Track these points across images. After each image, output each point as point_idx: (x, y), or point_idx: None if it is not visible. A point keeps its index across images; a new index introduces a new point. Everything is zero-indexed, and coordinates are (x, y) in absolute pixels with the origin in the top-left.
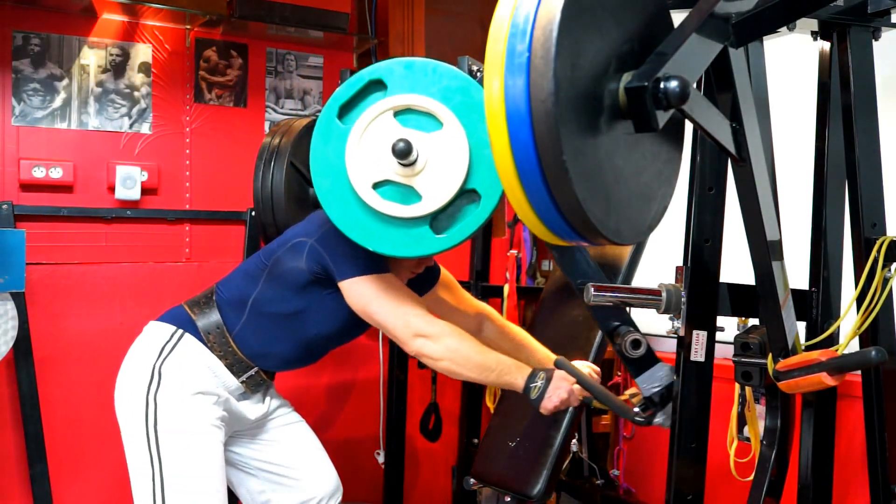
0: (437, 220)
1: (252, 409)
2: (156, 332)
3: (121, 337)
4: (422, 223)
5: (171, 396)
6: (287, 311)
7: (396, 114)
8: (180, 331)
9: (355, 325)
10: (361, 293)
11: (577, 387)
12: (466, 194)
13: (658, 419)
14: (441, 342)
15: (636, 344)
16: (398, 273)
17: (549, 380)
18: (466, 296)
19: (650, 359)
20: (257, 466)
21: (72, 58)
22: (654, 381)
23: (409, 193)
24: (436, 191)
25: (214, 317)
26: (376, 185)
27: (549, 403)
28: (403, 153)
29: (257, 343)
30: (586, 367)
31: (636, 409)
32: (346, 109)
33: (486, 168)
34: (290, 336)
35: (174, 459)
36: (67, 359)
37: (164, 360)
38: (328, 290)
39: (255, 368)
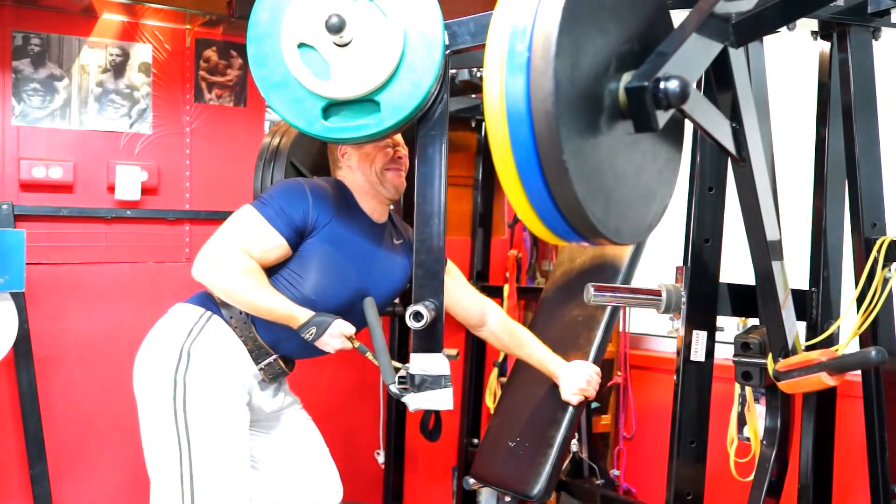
0: (334, 108)
1: (268, 401)
2: (184, 314)
3: (121, 337)
4: (318, 101)
5: (201, 378)
6: (287, 281)
7: None
8: (208, 312)
9: (353, 292)
10: (234, 214)
11: (353, 343)
12: (370, 103)
13: (407, 398)
14: (224, 275)
15: (417, 316)
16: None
17: (320, 333)
18: (471, 289)
19: (433, 344)
20: (262, 460)
21: (72, 58)
22: (426, 364)
23: (323, 69)
24: (346, 80)
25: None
26: (301, 45)
27: (321, 347)
28: (335, 28)
29: (276, 327)
30: (586, 368)
31: (396, 380)
32: None
33: (400, 91)
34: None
35: (203, 441)
36: (67, 359)
37: (194, 340)
38: (309, 248)
39: (275, 356)
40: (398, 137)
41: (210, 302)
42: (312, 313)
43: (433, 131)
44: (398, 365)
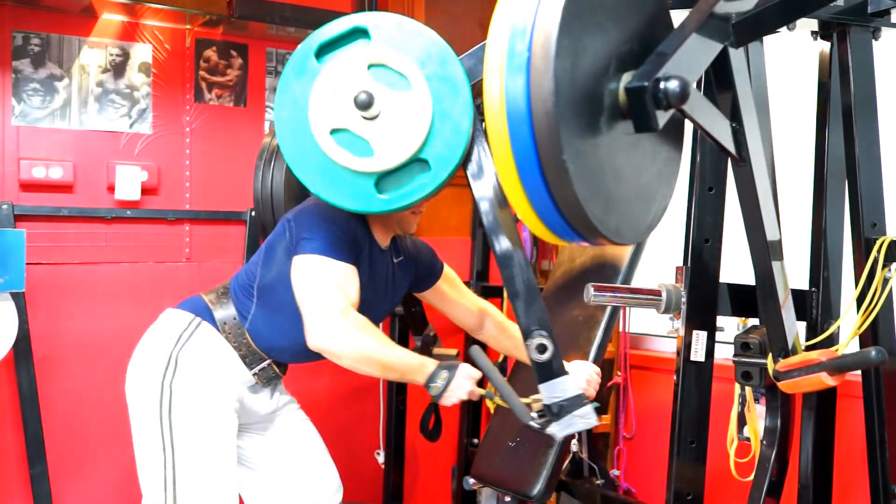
0: (384, 180)
1: (262, 403)
2: (173, 320)
3: (121, 337)
4: (368, 179)
5: (187, 384)
6: (290, 297)
7: (371, 66)
8: (198, 319)
9: (367, 314)
10: (300, 269)
11: (477, 388)
12: (418, 163)
13: (552, 429)
14: (346, 341)
15: (542, 349)
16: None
17: (449, 380)
18: (468, 292)
19: (558, 369)
20: (260, 462)
21: (72, 58)
22: (556, 391)
23: (363, 147)
24: (389, 150)
25: (230, 308)
26: (334, 131)
27: (446, 401)
28: (364, 105)
29: (269, 334)
30: (586, 368)
31: (533, 415)
32: (324, 50)
33: (443, 142)
34: (299, 324)
35: (187, 448)
36: (67, 359)
37: (182, 347)
38: None
39: (269, 361)
40: None
41: (201, 307)
42: (435, 361)
43: (481, 163)
44: (527, 400)
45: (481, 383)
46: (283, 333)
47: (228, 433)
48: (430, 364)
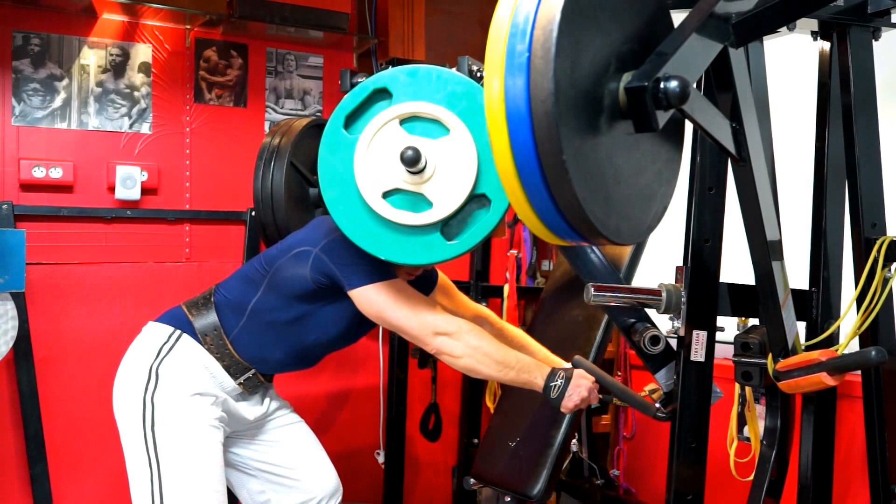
0: (448, 225)
1: (250, 409)
2: (154, 333)
3: (121, 337)
4: (433, 230)
5: (169, 397)
6: (287, 319)
7: (402, 122)
8: (178, 332)
9: (354, 332)
10: (374, 300)
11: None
12: (476, 199)
13: None
14: (461, 340)
15: (655, 340)
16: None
17: (568, 379)
18: (464, 299)
19: (669, 354)
20: (257, 467)
21: (72, 58)
22: (672, 376)
23: (419, 201)
24: (446, 197)
25: (212, 318)
26: (386, 195)
27: (569, 402)
28: (412, 161)
29: (255, 347)
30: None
31: (657, 405)
32: (351, 119)
33: (495, 172)
34: (288, 342)
35: (172, 461)
36: (67, 359)
37: (162, 361)
38: (330, 298)
39: (253, 370)
40: None
41: (181, 320)
42: (548, 367)
43: None
44: (644, 392)
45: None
46: (270, 347)
47: (213, 445)
48: (544, 365)
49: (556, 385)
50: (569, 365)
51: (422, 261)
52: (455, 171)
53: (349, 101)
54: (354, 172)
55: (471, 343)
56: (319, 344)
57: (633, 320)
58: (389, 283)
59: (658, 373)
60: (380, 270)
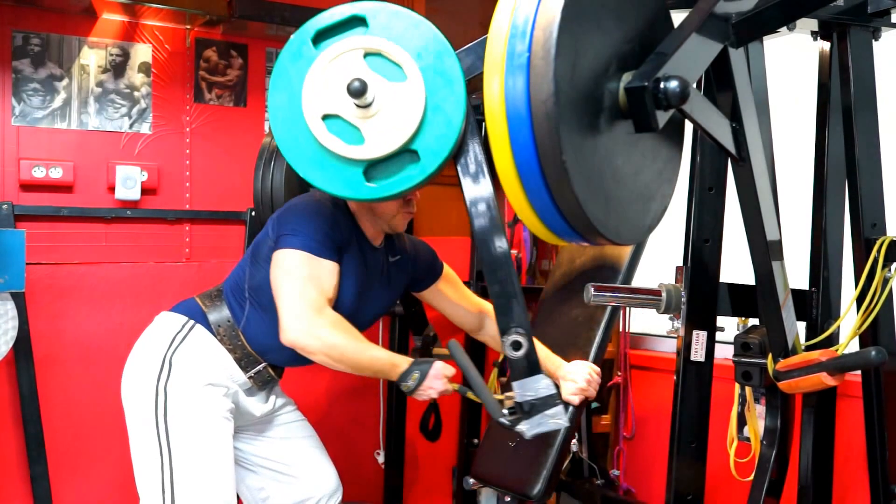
0: (373, 168)
1: (258, 405)
2: (167, 323)
3: (121, 337)
4: (357, 166)
5: (182, 387)
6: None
7: (367, 55)
8: (192, 321)
9: (351, 307)
10: (283, 263)
11: (452, 385)
12: (408, 154)
13: (522, 426)
14: (319, 338)
15: (516, 346)
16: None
17: (423, 377)
18: (468, 293)
19: (532, 367)
20: (258, 463)
21: (72, 58)
22: (530, 389)
23: (354, 134)
24: (380, 139)
25: (224, 311)
26: (326, 117)
27: (420, 398)
28: (357, 93)
29: (262, 335)
30: (586, 367)
31: (505, 411)
32: (321, 37)
33: (434, 135)
34: None
35: (184, 450)
36: (67, 359)
37: (176, 350)
38: None
39: (264, 364)
40: None
41: (195, 310)
42: (409, 359)
43: (472, 159)
44: (500, 397)
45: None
46: (275, 332)
47: (225, 435)
48: (402, 363)
49: (407, 385)
50: (440, 353)
51: (334, 191)
52: (397, 119)
53: (326, 18)
54: (304, 86)
55: (327, 342)
56: None
57: (513, 325)
58: (309, 258)
59: (516, 381)
60: (314, 245)
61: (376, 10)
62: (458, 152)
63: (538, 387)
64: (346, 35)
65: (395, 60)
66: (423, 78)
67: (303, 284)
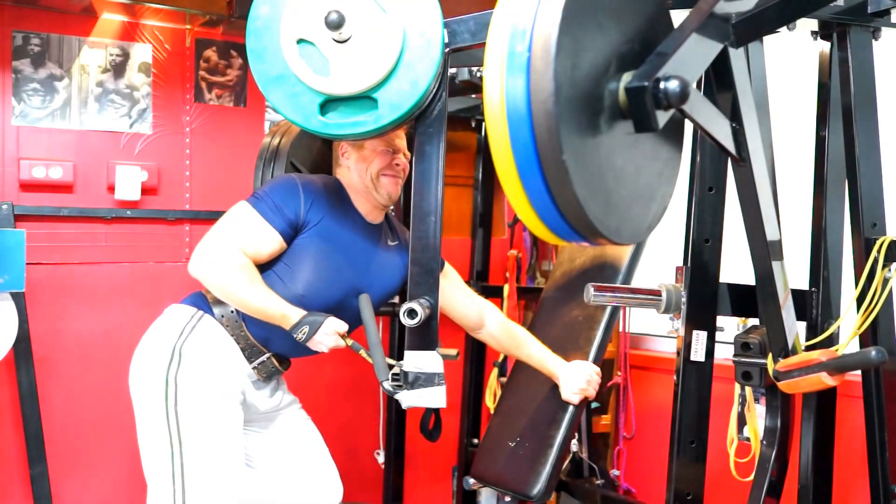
0: (331, 104)
1: (263, 399)
2: (176, 314)
3: (120, 337)
4: (315, 97)
5: (192, 377)
6: (277, 274)
7: None
8: (200, 312)
9: (345, 291)
10: (229, 210)
11: (346, 340)
12: (368, 100)
13: (400, 395)
14: (216, 271)
15: (411, 314)
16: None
17: (313, 331)
18: (469, 291)
19: (428, 341)
20: (260, 461)
21: (72, 58)
22: (419, 362)
23: (322, 65)
24: (345, 77)
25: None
26: (301, 41)
27: (313, 349)
28: (334, 24)
29: (262, 324)
30: (586, 368)
31: (389, 376)
32: None
33: (398, 90)
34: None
35: (194, 439)
36: (67, 359)
37: (185, 340)
38: (296, 237)
39: (269, 354)
40: (401, 143)
41: (203, 302)
42: (304, 312)
43: (431, 129)
44: (392, 362)
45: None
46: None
47: (235, 425)
48: (294, 315)
49: (297, 337)
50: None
51: (287, 113)
52: (367, 63)
53: None
54: (286, 4)
55: (222, 277)
56: (315, 299)
57: (422, 293)
58: (250, 211)
59: (409, 350)
60: (261, 203)
61: None
62: (420, 116)
63: (427, 361)
64: None
65: (382, 5)
66: (404, 31)
67: (227, 229)
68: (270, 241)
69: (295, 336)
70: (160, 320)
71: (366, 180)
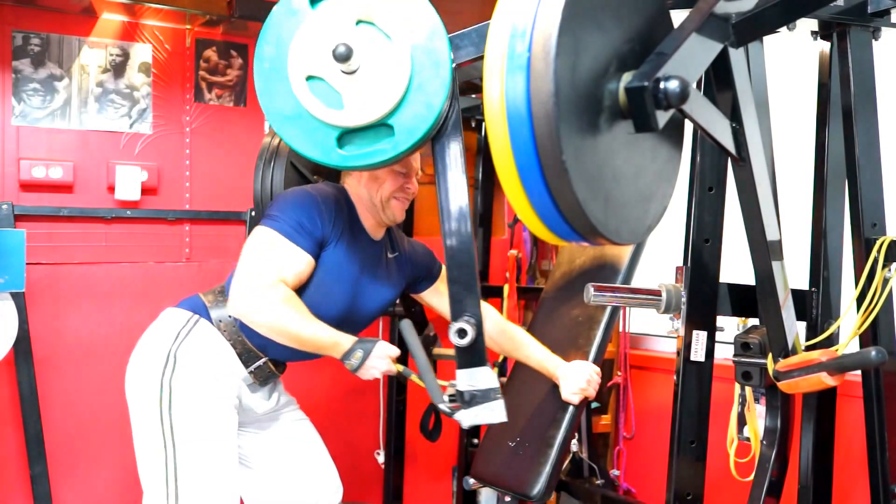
0: (348, 136)
1: (260, 402)
2: (172, 318)
3: (120, 337)
4: (332, 131)
5: (186, 381)
6: None
7: (359, 22)
8: (196, 316)
9: (351, 302)
10: (250, 239)
11: (396, 366)
12: (385, 128)
13: (459, 415)
14: (262, 309)
15: (461, 333)
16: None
17: (366, 356)
18: None
19: (478, 358)
20: (259, 462)
21: (72, 58)
22: (472, 379)
23: (335, 99)
24: (359, 108)
25: (226, 307)
26: (310, 78)
27: (363, 377)
28: (342, 58)
29: None
30: (587, 368)
31: (445, 398)
32: None
33: (413, 114)
34: None
35: (188, 443)
36: (67, 359)
37: (181, 344)
38: (320, 255)
39: (265, 359)
40: (416, 164)
41: (199, 306)
42: (354, 339)
43: (449, 148)
44: (444, 383)
45: (406, 361)
46: None
47: (229, 428)
48: (346, 342)
49: (350, 363)
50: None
51: (305, 151)
52: (379, 91)
53: None
54: (292, 42)
55: (270, 315)
56: (316, 314)
57: (467, 314)
58: (277, 237)
59: (460, 370)
60: (286, 227)
61: None
62: (436, 136)
63: (480, 378)
64: None
65: (387, 31)
66: (412, 55)
67: (261, 260)
68: (305, 265)
69: (346, 363)
70: (156, 324)
71: (374, 199)
